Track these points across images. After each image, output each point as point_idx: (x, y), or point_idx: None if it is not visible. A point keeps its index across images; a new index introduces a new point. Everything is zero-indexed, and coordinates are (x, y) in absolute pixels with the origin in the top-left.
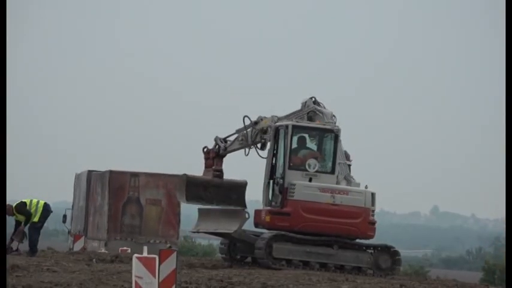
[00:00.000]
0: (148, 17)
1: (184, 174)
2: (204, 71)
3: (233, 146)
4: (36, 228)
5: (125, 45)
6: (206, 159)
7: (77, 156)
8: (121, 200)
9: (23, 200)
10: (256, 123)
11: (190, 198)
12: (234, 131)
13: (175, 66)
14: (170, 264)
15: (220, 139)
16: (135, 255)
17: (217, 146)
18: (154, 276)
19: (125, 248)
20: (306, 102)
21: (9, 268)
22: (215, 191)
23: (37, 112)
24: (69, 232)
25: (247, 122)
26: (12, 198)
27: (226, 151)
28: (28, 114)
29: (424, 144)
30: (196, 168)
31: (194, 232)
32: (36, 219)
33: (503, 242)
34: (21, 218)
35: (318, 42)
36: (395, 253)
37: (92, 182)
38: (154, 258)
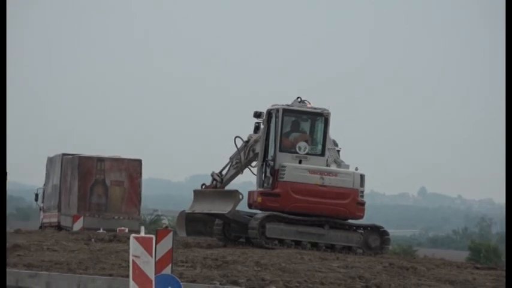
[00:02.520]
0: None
1: (184, 211)
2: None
3: (229, 174)
4: None
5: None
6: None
7: (47, 141)
8: (89, 181)
9: None
10: (247, 141)
11: (189, 233)
12: (228, 160)
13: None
14: (167, 243)
15: (216, 174)
16: (133, 235)
17: (214, 182)
18: (151, 256)
19: (122, 227)
20: (293, 102)
21: (10, 247)
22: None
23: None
24: (40, 209)
25: (239, 142)
26: None
27: (223, 183)
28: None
29: (413, 129)
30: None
31: (189, 213)
32: None
33: (489, 222)
34: None
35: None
36: (384, 233)
37: (64, 165)
38: (151, 238)
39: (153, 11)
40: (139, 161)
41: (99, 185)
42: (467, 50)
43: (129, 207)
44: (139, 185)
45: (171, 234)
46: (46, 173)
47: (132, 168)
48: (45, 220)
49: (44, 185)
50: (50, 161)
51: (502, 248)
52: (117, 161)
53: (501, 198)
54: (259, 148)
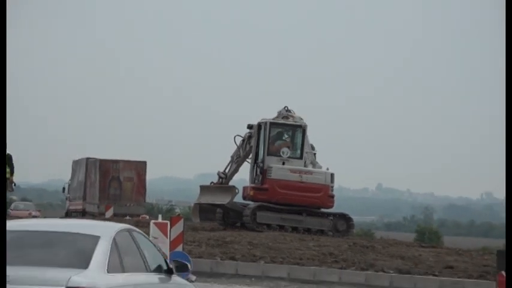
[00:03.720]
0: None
1: (197, 204)
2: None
3: (231, 170)
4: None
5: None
6: None
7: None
8: (107, 178)
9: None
10: (243, 140)
11: (202, 219)
12: (229, 159)
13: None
14: (179, 227)
15: (221, 172)
16: (152, 221)
17: (220, 179)
18: (167, 237)
19: (144, 215)
20: (280, 111)
21: None
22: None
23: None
24: (67, 198)
25: (238, 139)
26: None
27: (227, 179)
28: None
29: (371, 136)
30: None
31: (197, 204)
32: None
33: (431, 210)
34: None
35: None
36: (350, 219)
37: (88, 166)
38: (167, 223)
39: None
40: (144, 162)
41: (115, 180)
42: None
43: (137, 196)
44: (144, 180)
45: (182, 220)
46: (72, 172)
47: (140, 167)
48: (71, 207)
49: (70, 180)
50: (76, 162)
51: (442, 230)
52: (128, 162)
53: (440, 192)
54: (252, 152)
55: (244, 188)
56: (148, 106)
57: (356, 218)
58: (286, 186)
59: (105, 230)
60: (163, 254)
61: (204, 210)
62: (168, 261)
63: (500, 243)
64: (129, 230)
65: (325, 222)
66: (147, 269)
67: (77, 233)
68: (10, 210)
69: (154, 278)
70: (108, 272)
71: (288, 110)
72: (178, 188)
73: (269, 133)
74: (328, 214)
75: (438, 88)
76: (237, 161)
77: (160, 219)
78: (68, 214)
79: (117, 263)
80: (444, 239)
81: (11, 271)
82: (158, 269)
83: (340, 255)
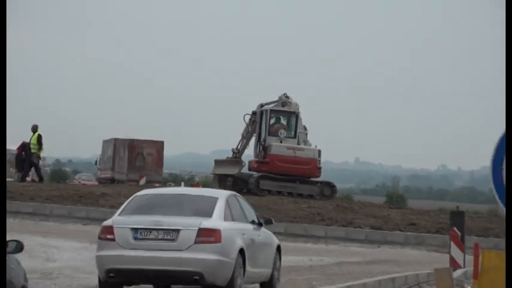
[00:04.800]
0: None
1: (216, 176)
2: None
3: (243, 145)
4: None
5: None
6: None
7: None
8: (133, 153)
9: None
10: (250, 118)
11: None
12: (240, 136)
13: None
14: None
15: (235, 149)
16: (178, 187)
17: (233, 154)
18: None
19: (170, 182)
20: (280, 96)
21: (99, 194)
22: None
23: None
24: (98, 169)
25: (247, 117)
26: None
27: (240, 153)
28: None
29: (351, 118)
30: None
31: (212, 174)
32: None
33: (398, 179)
34: (37, 148)
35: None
36: (333, 186)
37: (117, 144)
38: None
39: None
40: (162, 142)
41: (139, 155)
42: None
43: (156, 168)
44: (162, 155)
45: (200, 186)
46: (102, 149)
47: (159, 145)
48: (102, 176)
49: (101, 155)
50: (105, 141)
51: (407, 195)
52: (150, 141)
53: (406, 164)
54: (256, 133)
55: (250, 162)
56: (171, 92)
57: (338, 185)
58: (283, 160)
59: (221, 194)
60: (256, 212)
61: (218, 179)
62: (259, 217)
63: (453, 205)
64: (235, 195)
65: (314, 189)
66: (246, 221)
67: (203, 195)
68: (75, 180)
69: (250, 226)
70: (224, 220)
71: (287, 97)
72: (197, 161)
73: (269, 118)
74: (316, 182)
75: (402, 72)
76: (246, 137)
77: (183, 186)
78: (100, 182)
79: (228, 215)
80: (408, 202)
81: (164, 218)
82: (252, 222)
83: (326, 215)
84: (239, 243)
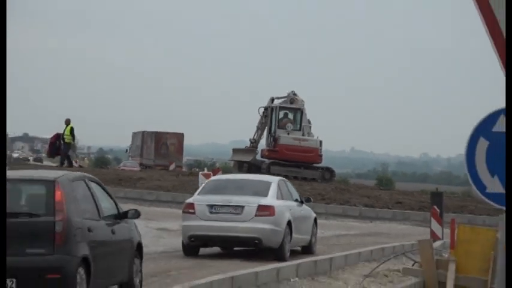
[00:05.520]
0: None
1: (236, 162)
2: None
3: (259, 135)
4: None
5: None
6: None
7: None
8: (159, 143)
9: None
10: (264, 111)
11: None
12: (255, 128)
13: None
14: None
15: (251, 139)
16: (200, 172)
17: (251, 144)
18: None
19: (196, 168)
20: (289, 93)
21: (136, 178)
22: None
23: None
24: (129, 156)
25: (261, 110)
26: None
27: (257, 142)
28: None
29: (348, 113)
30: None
31: (230, 160)
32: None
33: (387, 165)
34: (70, 138)
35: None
36: (332, 171)
37: (145, 136)
38: (210, 173)
39: None
40: (182, 134)
41: (164, 144)
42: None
43: (178, 155)
44: (182, 145)
45: (220, 171)
46: (132, 139)
47: (180, 137)
48: (37, 157)
49: (131, 145)
50: (134, 133)
51: (394, 178)
52: (172, 133)
53: (393, 152)
54: (267, 126)
55: (262, 150)
56: (195, 91)
57: (336, 170)
58: (290, 149)
59: (273, 179)
60: (299, 193)
61: (238, 166)
62: (301, 196)
63: (433, 187)
64: (284, 180)
65: (316, 173)
66: (292, 199)
67: (260, 180)
68: (121, 166)
69: (294, 204)
70: (276, 198)
71: (294, 94)
72: (217, 150)
73: (278, 114)
74: (318, 167)
75: (398, 72)
76: (261, 127)
77: (205, 171)
78: (36, 160)
79: (279, 195)
80: (396, 184)
81: (232, 197)
82: (296, 200)
83: (326, 195)
84: (287, 216)
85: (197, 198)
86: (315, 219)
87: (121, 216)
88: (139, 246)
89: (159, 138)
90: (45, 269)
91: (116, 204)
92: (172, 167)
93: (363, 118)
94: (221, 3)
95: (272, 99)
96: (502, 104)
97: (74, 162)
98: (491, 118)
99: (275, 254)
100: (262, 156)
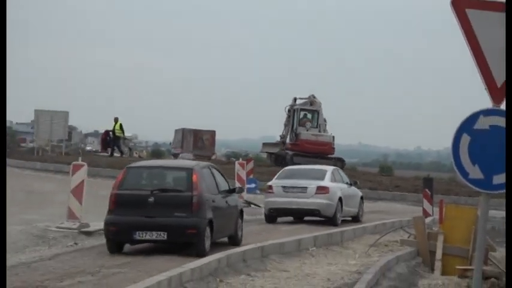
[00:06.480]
0: None
1: (267, 154)
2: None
3: (286, 131)
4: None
5: None
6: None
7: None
8: (198, 138)
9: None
10: (289, 110)
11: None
12: (283, 126)
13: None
14: (250, 165)
15: (281, 135)
16: (236, 161)
17: (280, 139)
18: (244, 170)
19: (233, 158)
20: (309, 96)
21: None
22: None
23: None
24: (172, 148)
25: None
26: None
27: (285, 138)
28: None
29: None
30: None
31: (260, 152)
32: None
33: (387, 156)
34: (120, 132)
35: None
36: (343, 161)
37: (185, 133)
38: (244, 162)
39: None
40: (214, 131)
41: (200, 139)
42: None
43: (211, 148)
44: (214, 140)
45: (252, 161)
46: (174, 135)
47: (212, 133)
48: (174, 151)
49: (174, 139)
50: (176, 130)
51: (393, 167)
52: (206, 131)
53: (393, 146)
54: (290, 124)
55: (286, 144)
56: (231, 91)
57: (346, 160)
58: (309, 143)
59: (329, 168)
60: (349, 178)
61: (267, 156)
62: (350, 180)
63: (425, 174)
64: (337, 169)
65: (329, 163)
66: (343, 182)
67: (319, 169)
68: (179, 156)
69: (345, 186)
70: (330, 181)
71: (314, 97)
72: (249, 144)
73: (299, 114)
74: (331, 158)
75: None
76: (287, 124)
77: (240, 160)
78: (173, 156)
79: (333, 179)
80: (395, 172)
81: (299, 181)
82: (347, 183)
83: None
84: (339, 194)
85: (274, 182)
86: (362, 197)
87: (230, 191)
88: (242, 212)
89: (196, 134)
90: (186, 226)
91: (227, 183)
92: (214, 157)
93: (368, 118)
94: (254, 5)
95: (295, 99)
96: (481, 105)
97: (134, 153)
98: (473, 118)
99: (330, 221)
100: (286, 149)
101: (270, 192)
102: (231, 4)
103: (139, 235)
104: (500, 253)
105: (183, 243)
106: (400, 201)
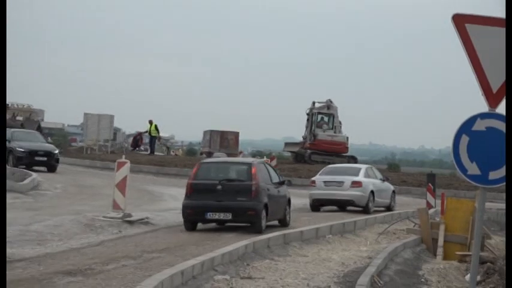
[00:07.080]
0: None
1: (292, 152)
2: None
3: (307, 132)
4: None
5: None
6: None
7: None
8: (224, 139)
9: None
10: (308, 114)
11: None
12: (304, 128)
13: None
14: (273, 162)
15: (303, 136)
16: (265, 158)
17: (303, 140)
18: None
19: (258, 156)
20: (326, 101)
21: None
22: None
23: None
24: (201, 146)
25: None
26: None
27: (307, 139)
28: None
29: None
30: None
31: (283, 151)
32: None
33: (395, 155)
34: (156, 133)
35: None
36: (356, 158)
37: (213, 134)
38: (268, 160)
39: None
40: (238, 132)
41: (225, 139)
42: None
43: (235, 147)
44: (238, 139)
45: (275, 159)
46: (203, 135)
47: (236, 134)
48: (202, 150)
49: (203, 139)
50: (205, 131)
51: (400, 164)
52: (231, 132)
53: (399, 145)
54: (309, 126)
55: (304, 143)
56: (256, 95)
57: (359, 158)
58: (325, 143)
59: (363, 166)
60: (383, 175)
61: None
62: (384, 176)
63: (428, 170)
64: (370, 167)
65: (344, 160)
66: (376, 178)
67: (355, 167)
68: (214, 155)
69: (378, 181)
70: (364, 177)
71: (331, 102)
72: (273, 144)
73: (317, 117)
74: (345, 156)
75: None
76: (308, 126)
77: (265, 158)
78: (201, 153)
79: (367, 175)
80: (401, 168)
81: (337, 177)
82: (380, 179)
83: None
84: (371, 187)
85: (317, 177)
86: (393, 191)
87: (281, 183)
88: (289, 200)
89: (222, 135)
90: (247, 208)
91: (279, 176)
92: (241, 155)
93: (378, 120)
94: (277, 10)
95: (313, 103)
96: (479, 108)
97: (171, 152)
98: (471, 120)
99: (363, 210)
100: (304, 148)
101: (313, 186)
102: (257, 16)
103: (210, 215)
104: (495, 240)
105: (245, 221)
106: (406, 194)
